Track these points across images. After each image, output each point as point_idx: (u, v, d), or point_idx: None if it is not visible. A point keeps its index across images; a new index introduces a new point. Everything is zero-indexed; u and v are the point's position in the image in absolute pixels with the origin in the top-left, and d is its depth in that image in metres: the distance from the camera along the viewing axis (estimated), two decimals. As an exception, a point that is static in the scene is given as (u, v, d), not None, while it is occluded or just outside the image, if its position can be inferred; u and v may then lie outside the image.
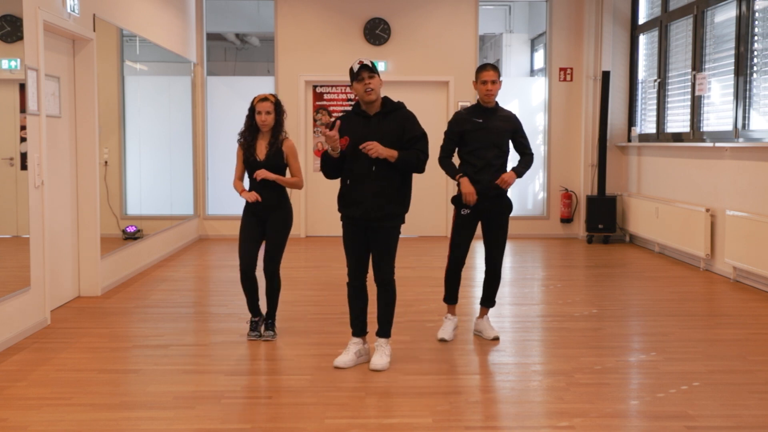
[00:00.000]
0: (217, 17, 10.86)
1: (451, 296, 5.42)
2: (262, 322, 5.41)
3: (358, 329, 4.75)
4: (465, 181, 5.11)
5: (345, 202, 4.61)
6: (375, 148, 4.43)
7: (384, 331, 4.70)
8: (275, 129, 5.23)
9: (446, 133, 5.28)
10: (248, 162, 5.21)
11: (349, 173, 4.57)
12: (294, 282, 7.09)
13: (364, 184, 4.52)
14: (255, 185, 5.22)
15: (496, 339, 5.30)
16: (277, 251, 5.27)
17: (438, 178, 10.46)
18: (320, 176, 10.39)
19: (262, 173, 5.14)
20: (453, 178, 5.20)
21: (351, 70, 4.53)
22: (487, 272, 5.41)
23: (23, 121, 5.46)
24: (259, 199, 5.15)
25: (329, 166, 4.61)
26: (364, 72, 4.46)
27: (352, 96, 10.61)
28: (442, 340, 5.28)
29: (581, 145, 10.55)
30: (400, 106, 4.64)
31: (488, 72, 5.11)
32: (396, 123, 4.55)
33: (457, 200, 5.24)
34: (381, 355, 4.64)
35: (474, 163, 5.15)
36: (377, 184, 4.51)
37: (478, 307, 6.43)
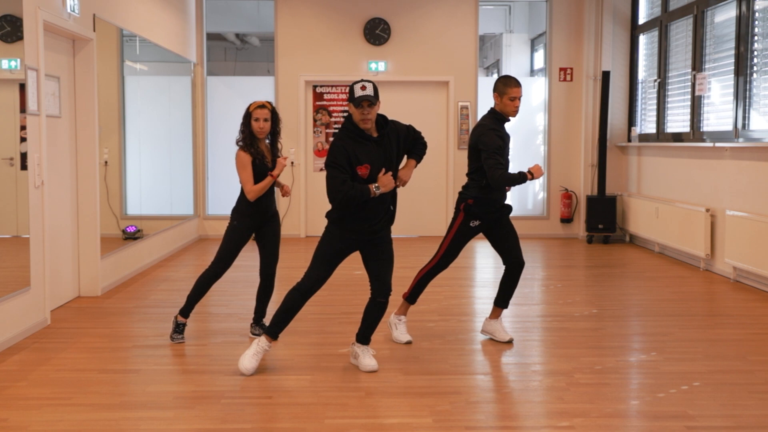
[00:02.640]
0: (217, 17, 10.86)
1: (416, 297, 5.35)
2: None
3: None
4: (534, 168, 4.99)
5: (353, 219, 4.54)
6: (402, 179, 4.63)
7: (369, 339, 4.72)
8: (272, 136, 5.24)
9: (497, 150, 4.97)
10: (262, 168, 5.14)
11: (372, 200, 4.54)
12: (294, 282, 7.05)
13: (379, 206, 4.54)
14: (263, 196, 5.18)
15: (510, 342, 5.21)
16: (277, 255, 5.36)
17: (438, 178, 10.48)
18: (320, 176, 10.40)
19: (288, 190, 5.37)
20: (524, 179, 4.94)
21: (351, 90, 4.43)
22: (510, 267, 5.18)
23: (23, 121, 5.46)
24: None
25: (360, 202, 4.45)
26: (365, 102, 4.39)
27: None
28: (409, 342, 5.20)
29: (581, 145, 10.55)
30: (387, 119, 4.63)
31: (518, 89, 5.05)
32: (393, 136, 4.58)
33: (470, 210, 5.09)
34: (369, 356, 4.67)
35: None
36: (387, 204, 4.60)
37: (478, 308, 6.45)
